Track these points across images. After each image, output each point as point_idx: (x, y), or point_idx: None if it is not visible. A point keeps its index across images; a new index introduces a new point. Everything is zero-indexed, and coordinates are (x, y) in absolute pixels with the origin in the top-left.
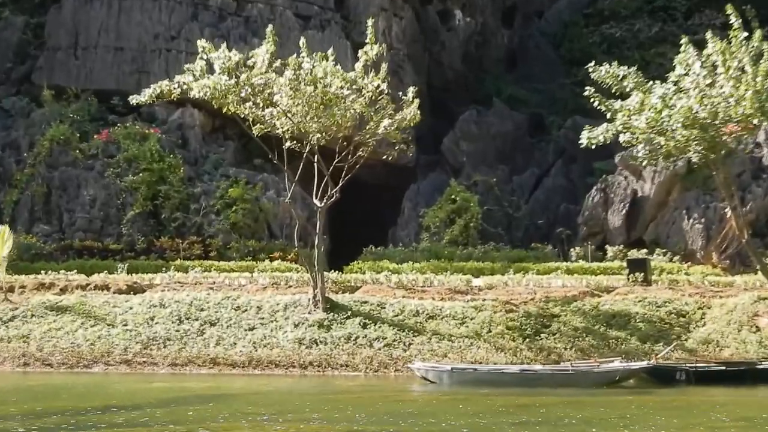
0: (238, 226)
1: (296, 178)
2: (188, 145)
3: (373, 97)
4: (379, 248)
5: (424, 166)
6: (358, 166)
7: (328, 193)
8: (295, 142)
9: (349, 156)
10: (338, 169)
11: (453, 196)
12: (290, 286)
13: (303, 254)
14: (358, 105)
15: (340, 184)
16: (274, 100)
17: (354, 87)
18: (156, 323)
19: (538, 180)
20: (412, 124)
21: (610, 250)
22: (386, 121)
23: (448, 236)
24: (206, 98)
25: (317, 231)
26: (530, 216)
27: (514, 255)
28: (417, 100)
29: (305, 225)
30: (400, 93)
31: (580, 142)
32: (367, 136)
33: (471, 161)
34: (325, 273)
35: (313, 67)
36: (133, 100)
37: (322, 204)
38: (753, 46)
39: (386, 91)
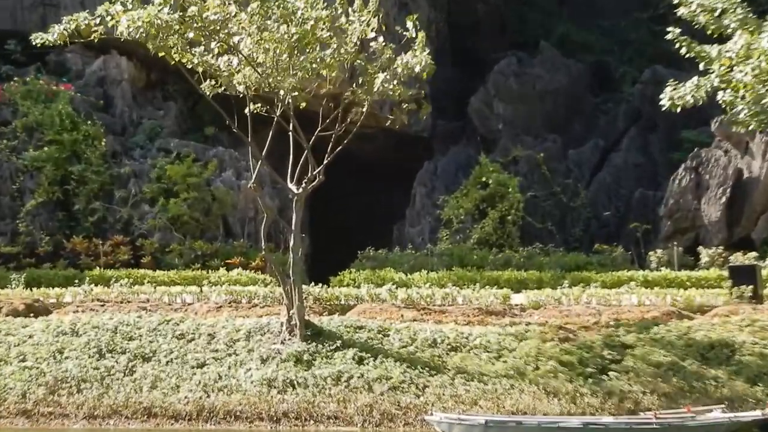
0: (181, 221)
1: (264, 154)
2: (113, 108)
3: (364, 37)
4: (380, 252)
5: (443, 137)
6: (350, 137)
7: (309, 174)
8: (262, 103)
9: (338, 122)
10: (322, 141)
11: (484, 178)
12: (255, 305)
13: (273, 260)
14: (344, 51)
15: (326, 162)
16: (233, 44)
17: (337, 25)
18: (66, 358)
19: (603, 155)
20: (425, 76)
21: (705, 254)
22: (385, 73)
23: (478, 234)
24: (139, 40)
25: (293, 228)
26: (592, 206)
27: (570, 261)
28: (422, 35)
29: (276, 220)
30: (403, 31)
31: (661, 102)
32: (361, 93)
33: (509, 129)
34: (305, 287)
35: None
36: (37, 39)
37: (300, 190)
38: None
39: (382, 29)
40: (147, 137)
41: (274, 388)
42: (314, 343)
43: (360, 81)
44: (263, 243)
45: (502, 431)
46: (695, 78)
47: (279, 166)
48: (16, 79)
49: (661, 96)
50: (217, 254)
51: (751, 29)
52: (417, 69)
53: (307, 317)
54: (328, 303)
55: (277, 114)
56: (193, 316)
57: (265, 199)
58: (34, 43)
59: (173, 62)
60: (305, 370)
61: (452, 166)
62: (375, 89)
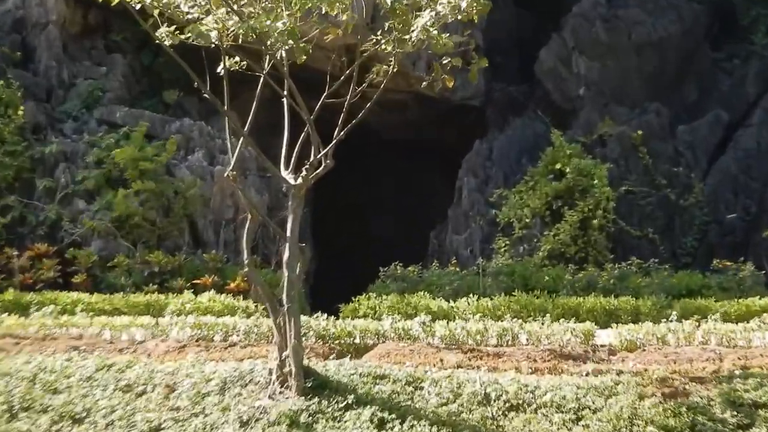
0: (131, 223)
1: (247, 129)
2: (35, 62)
3: None
4: (411, 269)
5: (501, 106)
6: (369, 106)
7: (312, 158)
8: (244, 57)
9: (353, 85)
10: (331, 112)
11: (559, 165)
12: (233, 345)
13: (260, 281)
14: None
15: (335, 141)
16: None
17: None
18: None
19: (726, 133)
20: (476, 19)
21: None
22: (425, 17)
23: (549, 244)
24: None
25: (288, 234)
26: (711, 205)
27: (680, 283)
28: None
29: (265, 223)
30: None
31: None
32: (386, 43)
33: (594, 96)
34: (304, 318)
35: None
36: None
37: (299, 180)
38: None
39: None
40: (83, 104)
41: None
42: (316, 399)
43: (385, 26)
44: (246, 256)
45: None
46: None
47: (269, 147)
48: None
49: None
50: (180, 271)
51: None
52: (464, 4)
53: (306, 361)
54: (336, 341)
55: (265, 71)
56: (146, 360)
57: (249, 194)
58: None
59: None
60: None
61: (514, 148)
62: (407, 37)
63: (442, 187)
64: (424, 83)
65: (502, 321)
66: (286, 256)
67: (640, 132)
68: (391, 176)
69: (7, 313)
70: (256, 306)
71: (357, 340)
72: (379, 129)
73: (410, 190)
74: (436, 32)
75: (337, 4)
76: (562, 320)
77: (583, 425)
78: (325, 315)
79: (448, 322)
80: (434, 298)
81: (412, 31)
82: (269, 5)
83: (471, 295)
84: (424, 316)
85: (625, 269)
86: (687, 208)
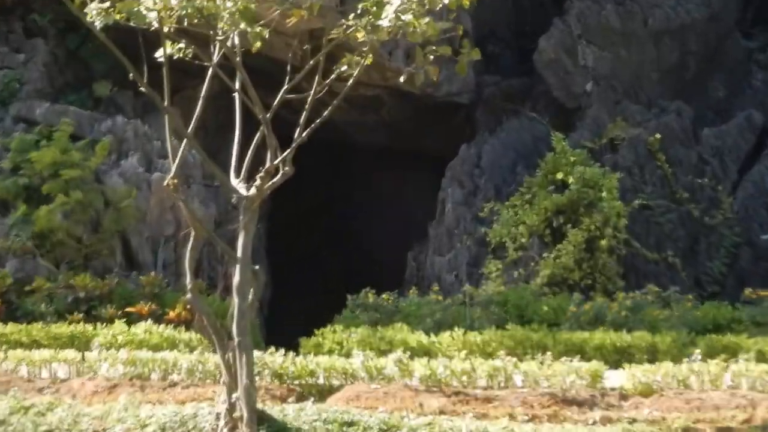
0: (53, 240)
1: (192, 129)
2: None
3: None
4: (385, 296)
5: (493, 104)
6: (337, 102)
7: (267, 165)
8: (189, 43)
9: (318, 78)
10: (291, 110)
11: (561, 175)
12: (174, 384)
13: (205, 309)
14: None
15: (295, 144)
16: None
17: None
18: None
19: (761, 138)
20: (466, 2)
21: None
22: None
23: (550, 269)
24: None
25: (239, 254)
26: (742, 223)
27: (705, 315)
28: None
29: (212, 240)
30: None
31: None
32: (358, 29)
33: (604, 93)
34: (258, 354)
35: None
36: None
37: (253, 191)
38: None
39: None
40: None
41: None
42: None
43: (357, 9)
44: (189, 279)
45: None
46: None
47: (218, 151)
48: None
49: None
50: (111, 297)
51: None
52: None
53: (260, 405)
54: (296, 382)
55: (214, 61)
56: (70, 401)
57: (192, 206)
58: None
59: None
60: None
61: (507, 154)
62: (382, 22)
63: (422, 199)
64: (403, 76)
65: (493, 359)
66: (236, 280)
67: (657, 135)
68: (362, 187)
69: None
70: (200, 339)
71: (321, 381)
72: (349, 130)
73: (385, 203)
74: (410, 17)
75: None
76: (564, 359)
77: None
78: (283, 350)
79: (429, 360)
80: (413, 332)
81: (384, 17)
82: None
83: (456, 329)
84: (401, 352)
85: (640, 299)
86: (713, 227)
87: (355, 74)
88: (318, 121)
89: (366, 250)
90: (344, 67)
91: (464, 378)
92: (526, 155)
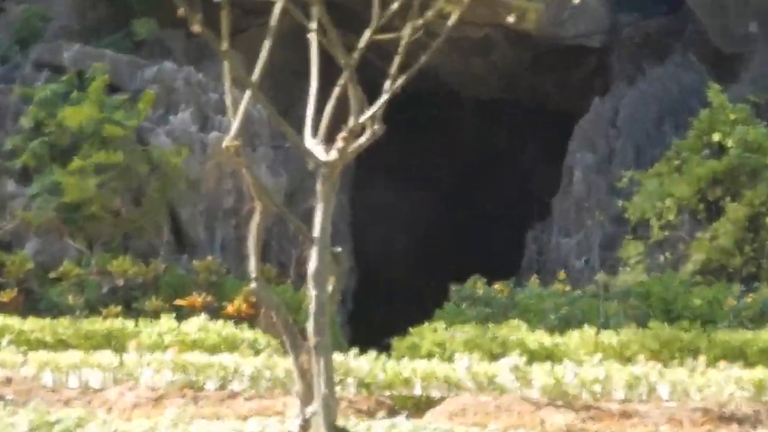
0: (85, 213)
1: (258, 79)
2: None
3: None
4: (497, 286)
5: (632, 48)
6: (436, 45)
7: (351, 122)
8: None
9: (411, 16)
10: (379, 56)
11: (718, 135)
12: (235, 395)
13: (273, 302)
14: None
15: (387, 97)
16: None
17: None
18: None
19: None
20: None
21: None
22: None
23: (703, 253)
24: None
25: (317, 234)
26: None
27: None
28: None
29: (283, 216)
30: None
31: None
32: None
33: None
34: (339, 357)
35: None
36: None
37: (334, 155)
38: None
39: None
40: (14, 39)
41: None
42: None
43: None
44: (254, 264)
45: None
46: None
47: (290, 105)
48: None
49: None
50: (157, 286)
51: None
52: None
53: (342, 421)
54: (387, 392)
55: None
56: (105, 416)
57: (259, 173)
58: None
59: None
60: None
61: (651, 110)
62: None
63: (543, 166)
64: (517, 13)
65: (632, 365)
66: (312, 265)
67: None
68: (468, 150)
69: None
70: (267, 339)
71: (417, 391)
72: (452, 80)
73: (497, 170)
74: None
75: None
76: (721, 365)
77: None
78: (371, 353)
79: (552, 366)
80: (532, 331)
81: None
82: None
83: (586, 327)
84: (517, 356)
85: None
86: None
87: (458, 11)
88: (414, 67)
89: (474, 229)
90: (444, 2)
91: (596, 388)
92: (673, 111)
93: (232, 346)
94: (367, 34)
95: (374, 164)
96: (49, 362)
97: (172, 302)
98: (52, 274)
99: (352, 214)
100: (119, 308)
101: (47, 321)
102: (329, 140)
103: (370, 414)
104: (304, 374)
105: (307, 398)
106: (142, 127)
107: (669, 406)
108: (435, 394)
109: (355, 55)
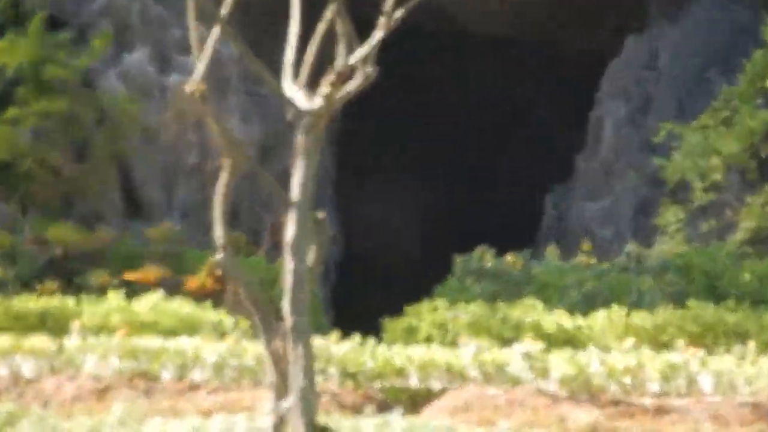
0: (18, 172)
1: (229, 9)
2: None
3: None
4: (510, 258)
5: None
6: None
7: (341, 63)
8: None
9: None
10: None
11: None
12: (195, 387)
13: (241, 276)
14: None
15: (381, 35)
16: None
17: None
18: None
19: None
20: None
21: None
22: None
23: (754, 220)
24: None
25: (295, 196)
26: None
27: None
28: None
29: (253, 175)
30: None
31: None
32: None
33: None
34: (320, 342)
35: None
36: None
37: (317, 102)
38: None
39: None
40: None
41: None
42: None
43: None
44: (220, 231)
45: None
46: None
47: (266, 46)
48: None
49: None
50: (103, 257)
51: None
52: None
53: (324, 417)
54: (377, 384)
55: None
56: (40, 411)
57: (228, 123)
58: None
59: None
60: None
61: (695, 52)
62: None
63: (566, 118)
64: None
65: (669, 352)
66: (289, 233)
67: None
68: (477, 99)
69: None
70: (235, 320)
71: (414, 382)
72: (460, 16)
73: (509, 121)
74: None
75: None
76: None
77: None
78: (358, 337)
79: (574, 353)
80: (551, 311)
81: None
82: None
83: (615, 306)
84: (532, 341)
85: None
86: None
87: None
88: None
89: (481, 190)
90: None
91: (627, 380)
92: (722, 54)
93: (192, 328)
94: None
95: (365, 115)
96: None
97: (121, 276)
98: None
99: (337, 174)
100: (57, 284)
101: None
102: (312, 86)
103: (357, 409)
104: (278, 362)
105: (281, 391)
106: (89, 68)
107: (712, 401)
108: (435, 385)
109: None
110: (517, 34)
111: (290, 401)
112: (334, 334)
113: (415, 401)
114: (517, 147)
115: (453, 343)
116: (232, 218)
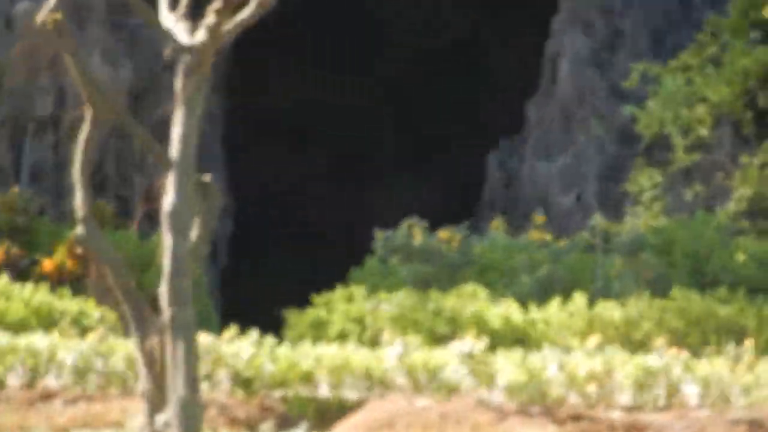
0: None
1: None
2: None
3: None
4: (443, 233)
5: None
6: None
7: None
8: None
9: None
10: None
11: None
12: (49, 396)
13: (108, 255)
14: None
15: None
16: None
17: None
18: None
19: None
20: None
21: None
22: None
23: (751, 186)
24: None
25: (175, 154)
26: None
27: None
28: None
29: (122, 126)
30: None
31: None
32: None
33: None
34: (206, 340)
35: None
36: None
37: (202, 36)
38: None
39: None
40: None
41: None
42: None
43: None
44: (81, 199)
45: None
46: None
47: None
48: None
49: None
50: None
51: None
52: None
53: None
54: (277, 392)
55: None
56: None
57: (91, 62)
58: None
59: None
60: None
61: None
62: None
63: (515, 52)
64: None
65: (645, 353)
66: (168, 202)
67: None
68: (405, 32)
69: None
70: (101, 312)
71: (324, 390)
72: None
73: (444, 57)
74: None
75: None
76: None
77: None
78: (254, 333)
79: (525, 354)
80: (496, 301)
81: None
82: None
83: (576, 295)
84: (473, 339)
85: None
86: None
87: None
88: None
89: (406, 144)
90: None
91: (591, 389)
92: None
93: (47, 321)
94: None
95: (263, 53)
96: None
97: None
98: None
99: (227, 128)
100: None
101: None
102: (195, 16)
103: (252, 425)
104: (154, 365)
105: (157, 401)
106: None
107: (699, 416)
108: (350, 395)
109: None
110: None
111: (168, 414)
112: (226, 331)
113: (325, 415)
114: (453, 88)
115: (374, 342)
116: (97, 183)
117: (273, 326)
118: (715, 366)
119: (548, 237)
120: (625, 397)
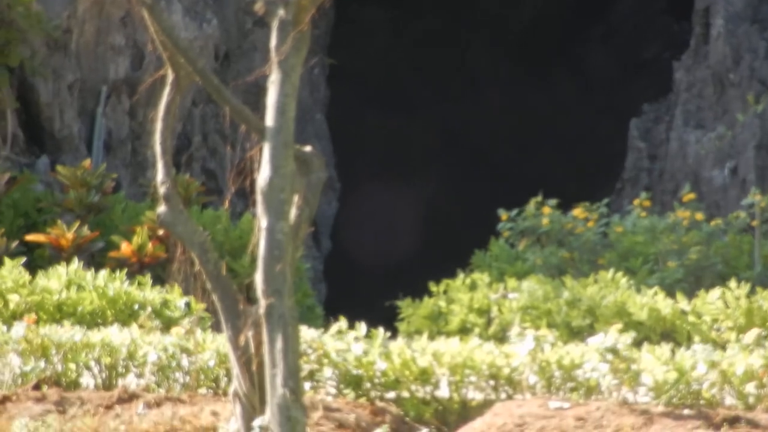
0: None
1: None
2: None
3: None
4: (577, 212)
5: None
6: None
7: None
8: None
9: None
10: None
11: None
12: (126, 399)
13: (193, 237)
14: None
15: None
16: None
17: None
18: None
19: None
20: None
21: None
22: None
23: None
24: None
25: (271, 120)
26: None
27: None
28: None
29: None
30: None
31: None
32: None
33: None
34: (309, 333)
35: None
36: None
37: None
38: None
39: None
40: None
41: None
42: None
43: None
44: (162, 173)
45: None
46: None
47: None
48: None
49: None
50: None
51: None
52: None
53: None
54: (391, 393)
55: None
56: None
57: (171, 18)
58: None
59: None
60: None
61: None
62: None
63: (659, 6)
64: None
65: None
66: (263, 177)
67: None
68: None
69: None
70: (187, 303)
71: (444, 391)
72: None
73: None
74: None
75: None
76: None
77: None
78: (363, 326)
79: (673, 349)
80: (639, 289)
81: None
82: None
83: (732, 282)
84: (615, 332)
85: None
86: None
87: None
88: None
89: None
90: None
91: (749, 388)
92: None
93: (125, 313)
94: None
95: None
96: None
97: (21, 237)
98: None
99: (331, 94)
100: None
101: None
102: None
103: (363, 430)
104: (249, 362)
105: (252, 403)
106: None
107: None
108: (474, 395)
109: None
110: None
111: (266, 418)
112: (330, 323)
113: (446, 418)
114: (589, 51)
115: (500, 336)
116: (180, 154)
117: (385, 318)
118: None
119: (699, 216)
120: None
